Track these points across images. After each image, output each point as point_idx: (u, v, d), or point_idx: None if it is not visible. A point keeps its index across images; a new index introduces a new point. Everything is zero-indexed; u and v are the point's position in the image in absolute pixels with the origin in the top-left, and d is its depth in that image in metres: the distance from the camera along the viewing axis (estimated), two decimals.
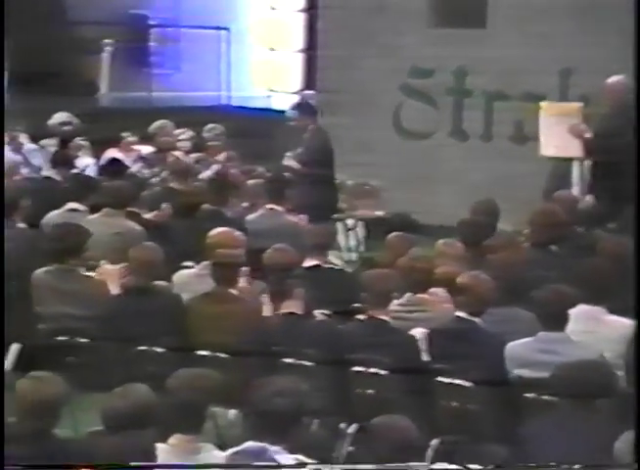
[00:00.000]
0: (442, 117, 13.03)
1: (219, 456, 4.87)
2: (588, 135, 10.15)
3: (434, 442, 5.31)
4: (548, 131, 10.75)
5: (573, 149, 10.34)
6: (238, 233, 7.98)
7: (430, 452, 5.30)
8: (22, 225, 8.84)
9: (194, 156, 12.02)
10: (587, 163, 10.43)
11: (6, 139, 12.14)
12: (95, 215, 8.94)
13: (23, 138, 12.32)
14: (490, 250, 7.80)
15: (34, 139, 12.48)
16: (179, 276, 7.81)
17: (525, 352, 6.39)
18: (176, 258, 7.89)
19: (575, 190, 10.37)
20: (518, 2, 12.38)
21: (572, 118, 10.44)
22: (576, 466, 4.59)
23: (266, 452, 4.65)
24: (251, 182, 10.58)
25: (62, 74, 14.66)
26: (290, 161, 11.17)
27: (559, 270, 7.40)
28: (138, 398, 5.21)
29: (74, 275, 7.62)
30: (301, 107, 11.90)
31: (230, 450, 4.87)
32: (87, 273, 7.70)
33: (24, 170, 11.60)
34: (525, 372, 6.31)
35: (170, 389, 5.17)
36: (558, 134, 10.49)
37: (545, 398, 5.91)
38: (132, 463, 4.44)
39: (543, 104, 11.12)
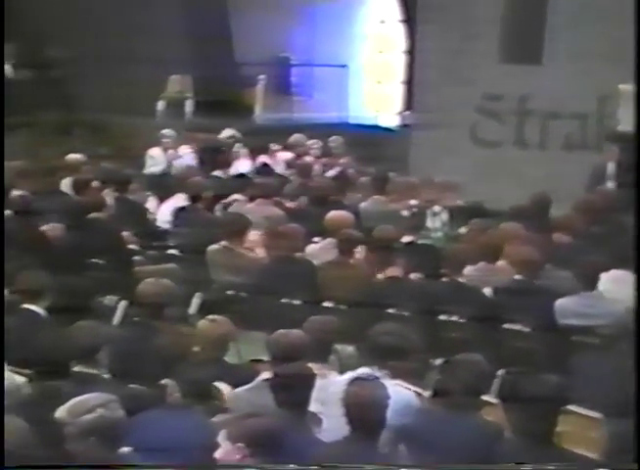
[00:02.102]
0: (508, 131, 12.98)
1: (340, 380, 4.82)
2: None
3: (501, 372, 5.25)
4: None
5: None
6: (351, 215, 8.05)
7: (497, 381, 5.26)
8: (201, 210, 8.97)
9: (321, 160, 12.07)
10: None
11: (187, 149, 12.31)
12: (251, 204, 9.01)
13: (202, 148, 12.38)
14: (544, 229, 7.74)
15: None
16: (311, 248, 7.81)
17: (571, 306, 6.31)
18: (308, 235, 7.91)
19: (609, 185, 10.26)
20: (565, 46, 12.23)
21: None
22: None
23: (374, 377, 4.58)
24: (362, 179, 10.59)
25: (229, 101, 14.82)
26: None
27: (596, 245, 7.30)
28: (294, 335, 5.19)
29: (237, 249, 7.67)
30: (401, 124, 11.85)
31: (347, 375, 4.84)
32: (246, 248, 7.71)
33: (201, 171, 11.71)
34: (572, 321, 6.23)
35: (305, 330, 5.22)
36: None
37: (586, 340, 5.89)
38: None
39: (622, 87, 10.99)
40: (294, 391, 4.53)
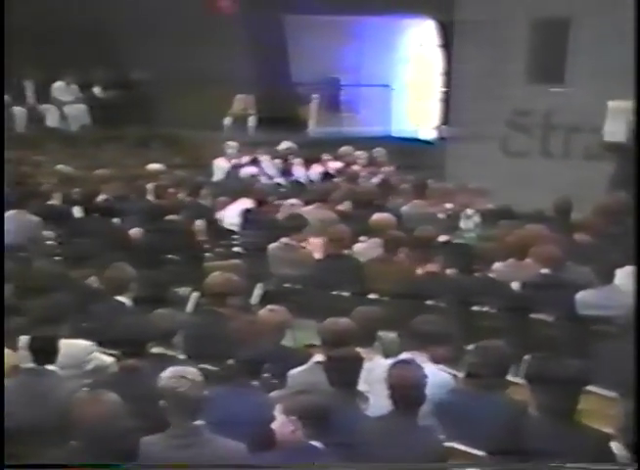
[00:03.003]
0: (534, 142, 12.90)
1: (384, 363, 4.82)
2: None
3: (527, 356, 5.22)
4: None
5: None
6: (393, 217, 8.03)
7: (522, 365, 5.23)
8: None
9: (367, 169, 12.07)
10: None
11: (248, 158, 12.40)
12: (307, 207, 8.99)
13: (263, 158, 12.48)
14: (566, 230, 7.67)
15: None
16: (357, 247, 7.79)
17: (590, 298, 6.24)
18: (355, 235, 7.90)
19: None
20: (586, 67, 12.12)
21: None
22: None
23: (414, 361, 4.58)
24: (404, 185, 10.56)
25: (287, 117, 14.86)
26: None
27: (613, 244, 7.22)
28: (343, 323, 5.20)
29: (294, 247, 7.72)
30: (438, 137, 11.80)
31: (390, 360, 4.83)
32: (301, 245, 7.73)
33: (262, 178, 11.83)
34: (591, 311, 6.16)
35: (352, 319, 5.22)
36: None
37: (603, 328, 5.84)
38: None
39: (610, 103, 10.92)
40: (344, 372, 4.55)
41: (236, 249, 8.41)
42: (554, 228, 7.57)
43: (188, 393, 3.98)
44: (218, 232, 8.90)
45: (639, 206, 6.91)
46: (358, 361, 4.62)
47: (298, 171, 12.13)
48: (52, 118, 14.74)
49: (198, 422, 4.01)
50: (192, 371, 4.09)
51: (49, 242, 8.11)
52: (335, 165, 12.18)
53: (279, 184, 11.26)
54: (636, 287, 5.75)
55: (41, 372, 4.68)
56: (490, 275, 6.81)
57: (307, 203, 9.14)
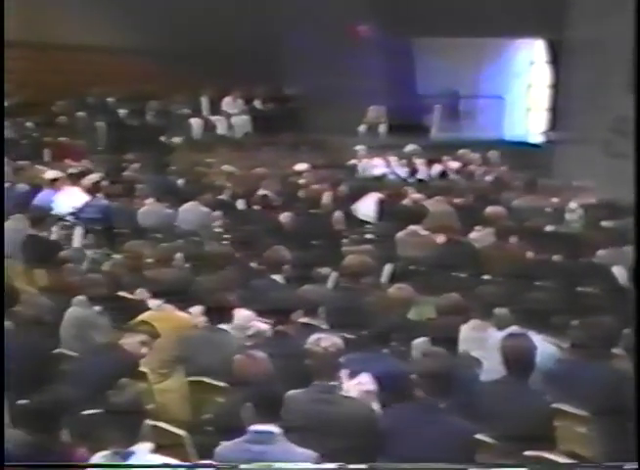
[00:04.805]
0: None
1: (497, 335, 4.68)
2: None
3: (626, 331, 4.96)
4: None
5: None
6: (504, 210, 7.80)
7: (623, 338, 4.96)
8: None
9: (482, 168, 11.81)
10: None
11: (380, 160, 12.31)
12: (429, 200, 8.85)
13: (392, 159, 12.37)
14: None
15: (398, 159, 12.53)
16: (473, 234, 7.59)
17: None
18: (470, 225, 7.72)
19: None
20: None
21: None
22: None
23: (526, 334, 4.44)
24: (516, 183, 10.27)
25: (413, 124, 14.76)
26: None
27: None
28: (453, 299, 5.16)
29: (418, 232, 7.63)
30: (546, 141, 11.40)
31: (503, 332, 4.68)
32: (424, 232, 7.64)
33: (391, 176, 11.72)
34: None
35: (474, 296, 5.10)
36: None
37: None
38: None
39: None
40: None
41: (368, 235, 8.36)
42: None
43: (329, 356, 3.98)
44: (354, 222, 8.87)
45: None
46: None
47: (422, 170, 11.98)
48: (221, 127, 15.11)
49: (334, 382, 3.99)
50: (333, 338, 4.08)
51: (217, 229, 8.27)
52: (453, 165, 11.97)
53: (405, 181, 11.14)
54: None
55: (214, 329, 4.87)
56: (593, 260, 6.51)
57: (429, 197, 9.02)
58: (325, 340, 4.02)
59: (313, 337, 4.09)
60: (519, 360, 4.13)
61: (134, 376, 4.18)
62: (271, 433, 3.42)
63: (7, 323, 4.76)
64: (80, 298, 5.36)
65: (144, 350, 4.60)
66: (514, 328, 4.72)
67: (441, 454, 3.61)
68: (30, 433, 3.45)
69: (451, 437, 3.70)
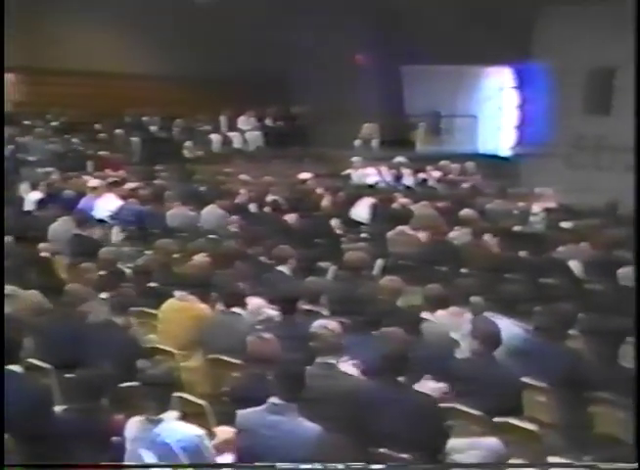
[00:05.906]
0: (589, 158, 12.31)
1: (470, 318, 4.71)
2: None
3: (581, 315, 4.96)
4: None
5: None
6: (477, 213, 7.74)
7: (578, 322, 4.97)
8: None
9: (459, 177, 11.80)
10: None
11: (373, 170, 12.25)
12: (415, 205, 8.75)
13: (383, 169, 12.32)
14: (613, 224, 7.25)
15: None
16: (452, 234, 7.52)
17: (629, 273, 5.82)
18: (450, 225, 7.65)
19: None
20: (627, 102, 11.42)
21: None
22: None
23: (488, 317, 4.47)
24: (488, 189, 10.27)
25: (403, 140, 14.80)
26: None
27: None
28: (435, 289, 5.09)
29: (406, 232, 7.59)
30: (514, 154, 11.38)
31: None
32: (411, 231, 7.51)
33: (381, 183, 11.69)
34: (629, 283, 5.70)
35: (454, 287, 5.09)
36: None
37: None
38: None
39: None
40: None
41: (363, 235, 8.36)
42: (605, 222, 7.18)
43: (330, 338, 3.98)
44: (350, 223, 8.87)
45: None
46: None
47: (408, 179, 11.98)
48: (237, 142, 15.16)
49: (334, 360, 3.99)
50: (333, 323, 4.08)
51: (233, 229, 8.29)
52: (435, 175, 11.97)
53: (394, 188, 11.12)
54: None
55: (229, 313, 4.87)
56: (553, 256, 6.51)
57: (415, 201, 9.02)
58: (327, 324, 4.03)
59: (316, 322, 4.09)
60: (485, 339, 4.14)
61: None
62: (287, 406, 3.38)
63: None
64: None
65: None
66: (485, 313, 4.71)
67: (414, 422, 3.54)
68: (77, 402, 3.46)
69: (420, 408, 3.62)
